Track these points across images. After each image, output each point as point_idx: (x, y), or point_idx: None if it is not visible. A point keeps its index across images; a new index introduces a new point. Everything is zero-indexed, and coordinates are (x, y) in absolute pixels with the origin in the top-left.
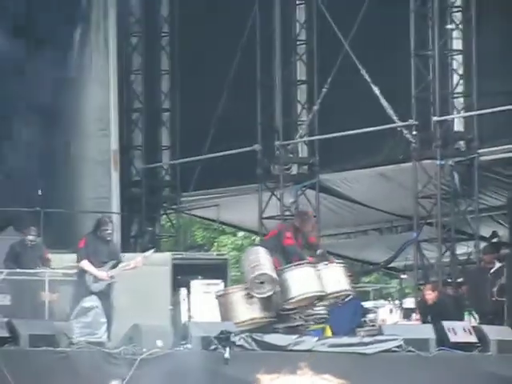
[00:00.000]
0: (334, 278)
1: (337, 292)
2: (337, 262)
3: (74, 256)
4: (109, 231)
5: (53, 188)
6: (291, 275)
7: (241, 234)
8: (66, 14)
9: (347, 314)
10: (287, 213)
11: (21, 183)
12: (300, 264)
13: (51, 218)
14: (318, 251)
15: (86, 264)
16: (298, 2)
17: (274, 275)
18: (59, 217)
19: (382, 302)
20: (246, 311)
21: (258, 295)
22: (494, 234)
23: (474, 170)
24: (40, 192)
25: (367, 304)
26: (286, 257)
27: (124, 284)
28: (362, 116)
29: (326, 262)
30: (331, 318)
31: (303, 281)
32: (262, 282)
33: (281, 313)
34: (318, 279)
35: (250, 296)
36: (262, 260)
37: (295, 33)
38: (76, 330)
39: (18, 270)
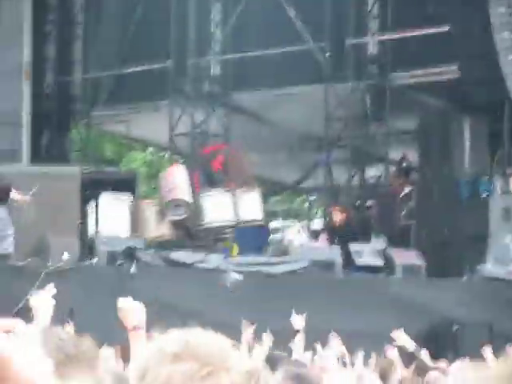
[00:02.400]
0: (249, 206)
1: (250, 221)
2: (255, 187)
3: None
4: None
5: None
6: (207, 200)
7: (151, 149)
8: None
9: (254, 232)
10: (197, 130)
11: None
12: (218, 190)
13: None
14: (245, 177)
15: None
16: None
17: (190, 200)
18: None
19: (289, 222)
20: (157, 227)
21: (171, 217)
22: (404, 158)
23: (386, 93)
24: None
25: (275, 224)
26: (210, 178)
27: (33, 197)
28: (276, 36)
29: (244, 188)
30: (238, 236)
31: (217, 208)
32: (177, 206)
33: (190, 231)
34: (233, 207)
35: (162, 214)
36: (177, 183)
37: None
38: None
39: None
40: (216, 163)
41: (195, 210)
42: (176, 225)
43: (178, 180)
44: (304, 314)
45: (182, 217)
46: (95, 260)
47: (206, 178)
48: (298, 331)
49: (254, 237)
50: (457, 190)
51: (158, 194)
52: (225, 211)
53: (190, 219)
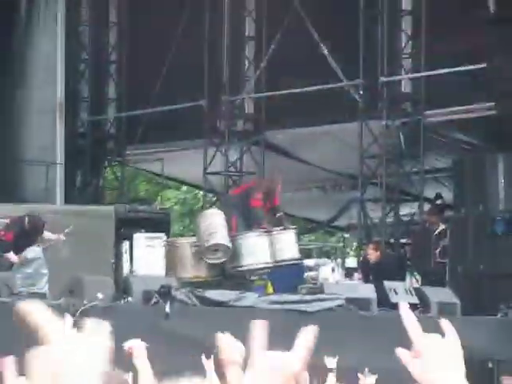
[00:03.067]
0: (286, 246)
1: (287, 260)
2: (291, 228)
3: (15, 206)
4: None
5: None
6: (244, 243)
7: (184, 188)
8: None
9: (289, 272)
10: (231, 169)
11: None
12: (255, 232)
13: None
14: (278, 214)
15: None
16: None
17: (229, 244)
18: (1, 166)
19: (324, 260)
20: (193, 268)
21: (210, 261)
22: (438, 196)
23: (420, 131)
24: None
25: (309, 262)
26: (247, 217)
27: (67, 236)
28: (309, 74)
29: (281, 228)
30: (273, 274)
31: (255, 251)
32: (215, 250)
33: (227, 273)
34: (270, 248)
35: (199, 255)
36: (218, 227)
37: None
38: (17, 281)
39: None
40: (255, 201)
41: (233, 253)
42: (213, 266)
43: (216, 223)
44: (336, 356)
45: (221, 260)
46: (130, 299)
47: (244, 218)
48: (330, 370)
49: (288, 275)
50: (491, 227)
51: (197, 236)
52: (261, 252)
53: (228, 262)
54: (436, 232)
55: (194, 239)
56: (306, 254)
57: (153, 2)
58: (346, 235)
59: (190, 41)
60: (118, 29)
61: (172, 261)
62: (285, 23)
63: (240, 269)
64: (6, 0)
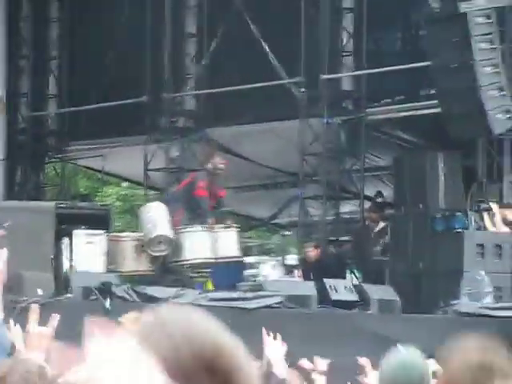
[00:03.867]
0: (227, 244)
1: (227, 257)
2: (233, 226)
3: None
4: None
5: None
6: (187, 238)
7: (125, 184)
8: None
9: (229, 269)
10: (172, 166)
11: None
12: (198, 227)
13: None
14: (223, 208)
15: None
16: None
17: (172, 236)
18: None
19: (264, 257)
20: (134, 262)
21: (153, 253)
22: (379, 194)
23: (361, 128)
24: None
25: (250, 259)
26: (192, 207)
27: (6, 231)
28: (250, 71)
29: (224, 226)
30: (214, 271)
31: (196, 246)
32: (159, 242)
33: (167, 267)
34: (212, 244)
35: (141, 249)
36: (161, 219)
37: None
38: None
39: None
40: (199, 191)
41: (175, 247)
42: (154, 260)
43: (160, 216)
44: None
45: (164, 253)
46: (70, 295)
47: (191, 210)
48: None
49: (228, 272)
50: (431, 225)
51: (140, 228)
52: (203, 248)
53: (169, 255)
54: (376, 230)
55: (135, 234)
56: (246, 251)
57: None
58: (287, 233)
59: (132, 37)
60: (59, 24)
61: (113, 255)
62: (226, 20)
63: (181, 263)
64: None
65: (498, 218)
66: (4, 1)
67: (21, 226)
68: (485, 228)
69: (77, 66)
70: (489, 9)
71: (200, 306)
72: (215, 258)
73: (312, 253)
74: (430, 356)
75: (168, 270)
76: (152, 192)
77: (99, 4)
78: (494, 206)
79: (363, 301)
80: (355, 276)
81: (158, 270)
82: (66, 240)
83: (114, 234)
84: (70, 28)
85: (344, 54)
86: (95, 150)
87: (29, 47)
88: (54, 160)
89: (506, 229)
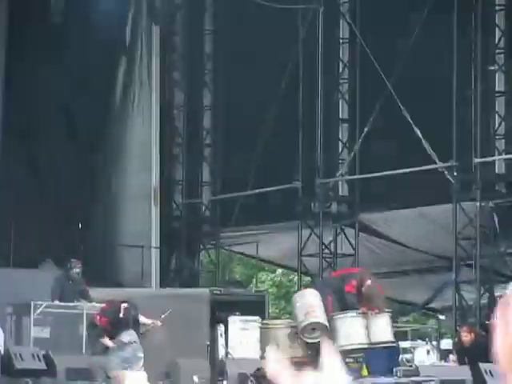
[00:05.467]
0: (381, 329)
1: (382, 342)
2: (386, 311)
3: (111, 290)
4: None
5: (93, 222)
6: (340, 324)
7: (279, 270)
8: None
9: (384, 354)
10: (326, 251)
11: (61, 216)
12: (351, 313)
13: (90, 252)
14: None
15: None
16: (341, 41)
17: (326, 323)
18: (99, 251)
19: (419, 342)
20: (289, 349)
21: (308, 340)
22: None
23: None
24: (80, 225)
25: (405, 344)
26: (341, 300)
27: (164, 321)
28: (403, 156)
29: (376, 311)
30: (368, 357)
31: (350, 332)
32: (313, 329)
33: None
34: (365, 330)
35: (295, 336)
36: (315, 306)
37: (338, 71)
38: (113, 365)
39: (57, 303)
40: (349, 287)
41: (329, 332)
42: (309, 347)
43: (314, 302)
44: None
45: (318, 339)
46: (225, 382)
47: (338, 300)
48: None
49: (384, 357)
50: None
51: (293, 315)
52: (357, 334)
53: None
54: None
55: (288, 320)
56: (401, 336)
57: (248, 86)
58: (442, 317)
59: (284, 124)
60: (212, 112)
61: (267, 342)
62: (378, 105)
63: (336, 349)
64: (102, 82)
65: None
66: (158, 90)
67: (176, 313)
68: None
69: (229, 153)
70: None
71: None
72: (369, 344)
73: (467, 337)
74: None
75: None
76: (306, 278)
77: (252, 91)
78: None
79: None
80: None
81: (313, 355)
82: (221, 327)
83: (268, 320)
84: (223, 116)
85: (496, 136)
86: (249, 237)
87: (182, 135)
88: (208, 247)
89: None
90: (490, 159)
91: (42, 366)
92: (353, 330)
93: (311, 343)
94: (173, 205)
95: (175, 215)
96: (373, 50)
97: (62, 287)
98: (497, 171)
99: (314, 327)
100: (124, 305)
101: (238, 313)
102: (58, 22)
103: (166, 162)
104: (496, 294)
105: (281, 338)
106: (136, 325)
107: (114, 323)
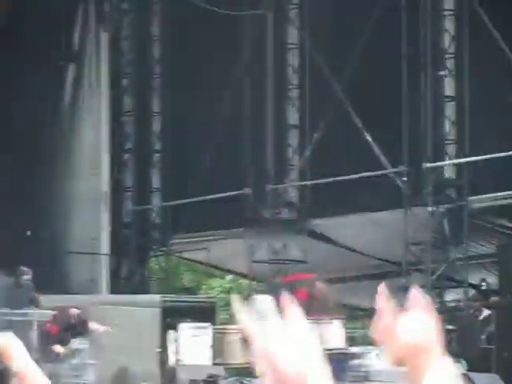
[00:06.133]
0: (332, 335)
1: (334, 349)
2: (339, 318)
3: (61, 297)
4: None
5: (41, 228)
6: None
7: (229, 277)
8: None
9: (336, 360)
10: (277, 257)
11: (9, 223)
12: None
13: (39, 258)
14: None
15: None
16: (290, 47)
17: None
18: (48, 257)
19: (369, 347)
20: (242, 354)
21: None
22: (483, 282)
23: (464, 217)
24: (28, 232)
25: (355, 349)
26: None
27: (113, 327)
28: (353, 161)
29: (328, 319)
30: None
31: None
32: None
33: None
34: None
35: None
36: (267, 311)
37: (287, 77)
38: (63, 372)
39: (8, 311)
40: (300, 294)
41: None
42: None
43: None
44: None
45: None
46: None
47: None
48: None
49: (335, 364)
50: None
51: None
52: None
53: None
54: (481, 318)
55: (241, 326)
56: (352, 341)
57: (195, 90)
58: None
59: (233, 129)
60: (161, 118)
61: (219, 349)
62: (328, 111)
63: None
64: (50, 89)
65: None
66: (107, 95)
67: (127, 319)
68: None
69: (180, 159)
70: None
71: None
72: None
73: None
74: None
75: None
76: (256, 283)
77: (200, 97)
78: None
79: None
80: (461, 365)
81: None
82: (172, 333)
83: (221, 326)
84: (173, 121)
85: (446, 142)
86: (199, 243)
87: (132, 141)
88: (158, 254)
89: None
90: (440, 164)
91: None
92: None
93: None
94: (123, 211)
95: (125, 221)
96: (322, 55)
97: (6, 294)
98: (446, 176)
99: None
100: (75, 311)
101: (188, 319)
102: (4, 24)
103: (115, 168)
104: (446, 298)
105: (235, 343)
106: (87, 331)
107: (64, 330)
